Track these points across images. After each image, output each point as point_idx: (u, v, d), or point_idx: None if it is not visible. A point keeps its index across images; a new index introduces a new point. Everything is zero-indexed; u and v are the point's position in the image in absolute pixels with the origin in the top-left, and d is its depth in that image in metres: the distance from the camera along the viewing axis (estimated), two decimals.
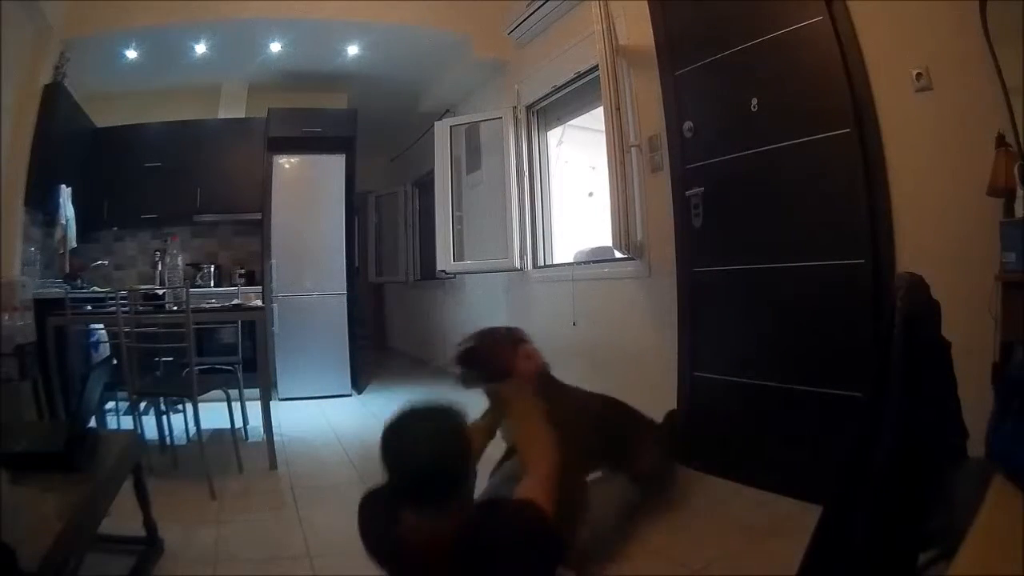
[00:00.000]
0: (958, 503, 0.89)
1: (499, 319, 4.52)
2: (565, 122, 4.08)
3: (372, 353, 6.74)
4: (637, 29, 2.92)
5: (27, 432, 1.91)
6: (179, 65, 4.36)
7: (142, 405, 2.85)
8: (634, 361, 3.05)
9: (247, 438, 3.12)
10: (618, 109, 2.86)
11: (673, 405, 2.68)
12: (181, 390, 2.68)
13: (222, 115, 4.81)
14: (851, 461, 1.09)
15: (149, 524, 1.83)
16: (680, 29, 2.68)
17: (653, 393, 2.73)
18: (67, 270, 3.93)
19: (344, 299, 4.55)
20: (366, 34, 4.28)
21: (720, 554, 1.80)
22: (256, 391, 2.90)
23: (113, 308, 2.64)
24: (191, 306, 2.61)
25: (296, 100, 4.79)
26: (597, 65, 2.98)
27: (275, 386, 4.27)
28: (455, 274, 4.91)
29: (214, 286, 4.53)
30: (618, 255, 3.13)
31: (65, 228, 3.76)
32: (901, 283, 1.02)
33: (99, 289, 3.77)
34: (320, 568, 1.80)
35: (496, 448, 1.86)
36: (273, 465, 2.76)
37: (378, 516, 1.22)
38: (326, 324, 4.49)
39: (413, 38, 4.36)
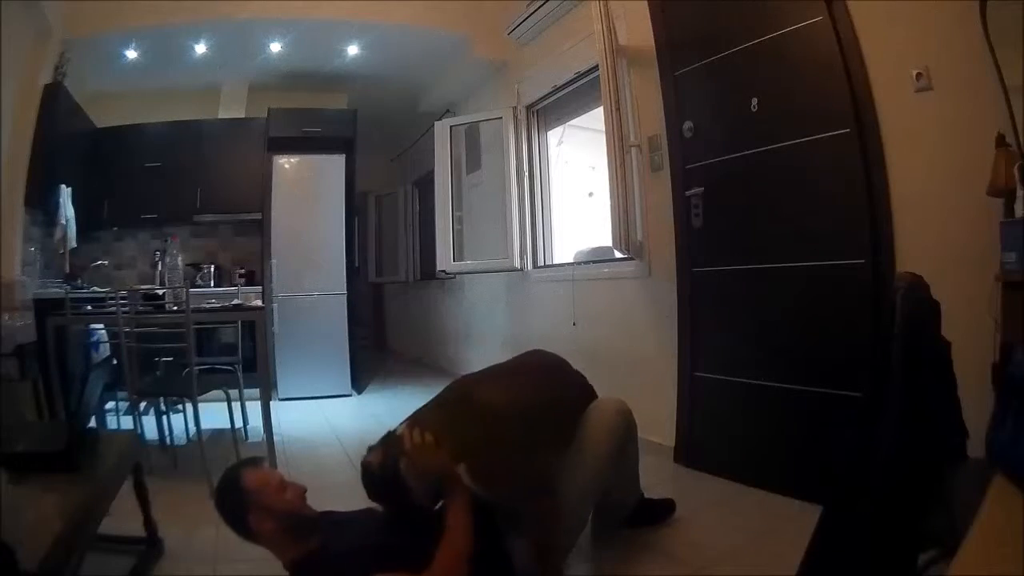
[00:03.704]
0: (958, 503, 0.89)
1: (499, 319, 4.54)
2: (565, 122, 4.08)
3: (372, 353, 6.75)
4: (637, 29, 2.92)
5: (27, 432, 1.90)
6: (179, 65, 4.36)
7: (142, 405, 2.85)
8: (634, 361, 3.04)
9: (247, 438, 3.12)
10: (618, 109, 2.86)
11: (673, 405, 2.68)
12: (181, 390, 2.68)
13: (222, 115, 4.82)
14: (851, 461, 1.09)
15: (149, 524, 1.83)
16: (680, 29, 2.68)
17: (653, 393, 2.74)
18: (67, 270, 3.93)
19: (344, 299, 4.56)
20: (366, 34, 4.28)
21: (720, 554, 1.80)
22: (256, 391, 2.89)
23: (113, 308, 2.64)
24: (191, 306, 2.61)
25: (296, 100, 4.79)
26: (597, 65, 2.98)
27: (275, 386, 4.28)
28: (455, 274, 4.91)
29: (214, 286, 4.53)
30: (618, 255, 3.13)
31: (65, 228, 3.76)
32: (901, 283, 1.02)
33: (99, 289, 3.77)
34: None
35: None
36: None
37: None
38: (326, 324, 4.50)
39: (413, 38, 4.36)
